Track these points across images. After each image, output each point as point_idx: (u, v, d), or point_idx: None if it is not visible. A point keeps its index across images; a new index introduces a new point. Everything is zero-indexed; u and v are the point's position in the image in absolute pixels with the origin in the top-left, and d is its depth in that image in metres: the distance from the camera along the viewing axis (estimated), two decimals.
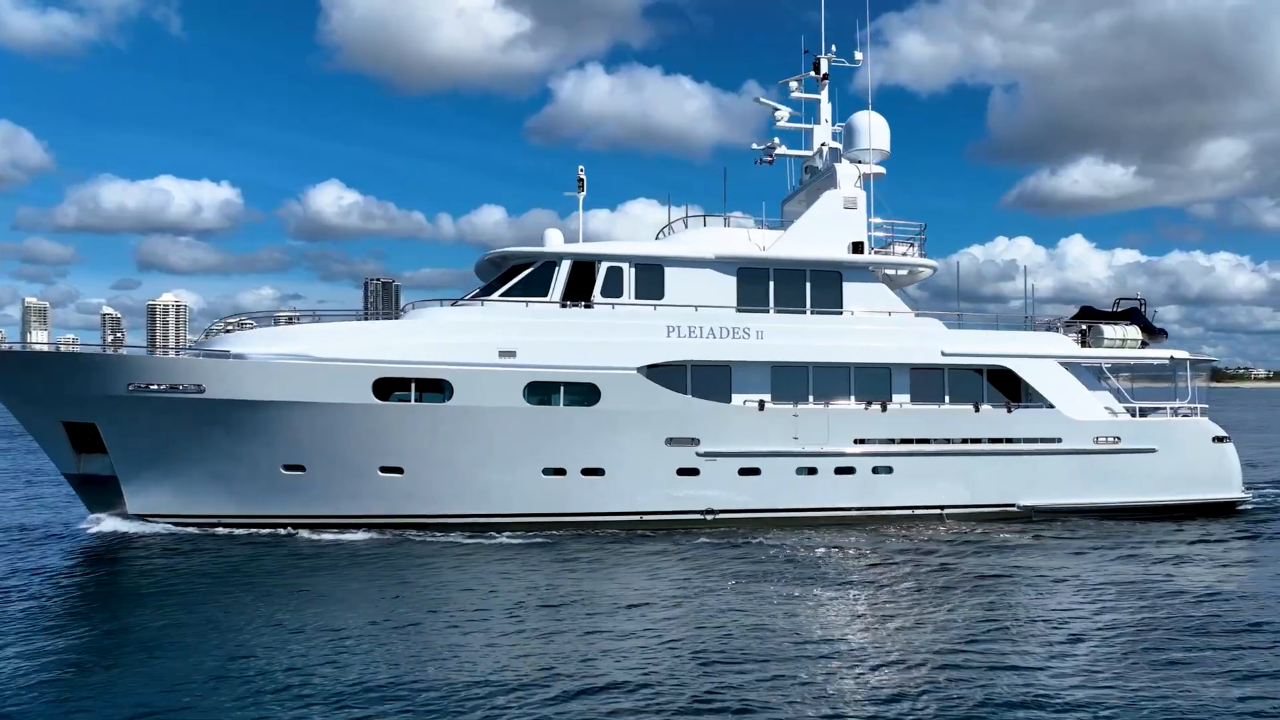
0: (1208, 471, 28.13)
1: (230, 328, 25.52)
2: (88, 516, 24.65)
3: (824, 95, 30.46)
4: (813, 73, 30.54)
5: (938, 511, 25.97)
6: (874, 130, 28.25)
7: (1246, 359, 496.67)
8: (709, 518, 24.64)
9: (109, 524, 23.97)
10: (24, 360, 24.15)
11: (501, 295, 25.01)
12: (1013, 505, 26.51)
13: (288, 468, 23.65)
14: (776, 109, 30.25)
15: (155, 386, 23.06)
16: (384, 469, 23.66)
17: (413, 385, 23.48)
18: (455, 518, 23.86)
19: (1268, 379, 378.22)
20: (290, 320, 25.85)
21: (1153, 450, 27.57)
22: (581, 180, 27.96)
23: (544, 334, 24.32)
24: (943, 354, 26.55)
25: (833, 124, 30.50)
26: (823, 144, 30.14)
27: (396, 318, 25.89)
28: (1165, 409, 28.60)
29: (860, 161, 28.26)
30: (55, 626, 15.23)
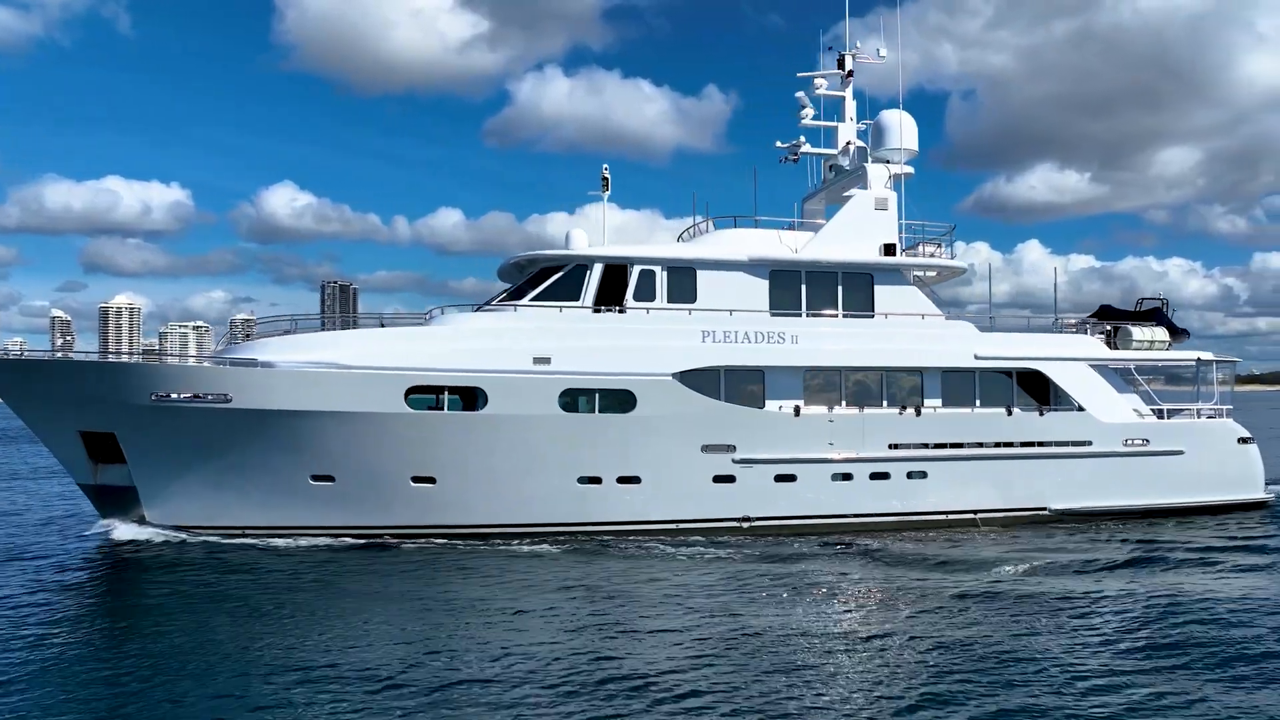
0: (1234, 473, 28.18)
1: (245, 334, 24.98)
2: (99, 521, 24.02)
3: (848, 93, 30.03)
4: (837, 69, 30.12)
5: (971, 516, 25.81)
6: (904, 129, 27.87)
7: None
8: (744, 525, 24.32)
9: (125, 530, 23.35)
10: (40, 369, 23.39)
11: (533, 300, 24.47)
12: (1044, 509, 26.41)
13: (316, 478, 23.08)
14: (804, 106, 29.77)
15: (180, 396, 22.41)
16: (416, 479, 23.14)
17: (445, 393, 22.96)
18: (489, 528, 23.39)
19: (1246, 381, 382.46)
20: (306, 325, 25.31)
21: (1181, 452, 27.56)
22: (606, 179, 27.44)
23: (579, 339, 23.84)
24: (975, 357, 26.33)
25: (856, 121, 30.12)
26: (848, 142, 29.74)
27: (424, 323, 25.27)
28: (1192, 410, 28.56)
29: (888, 161, 27.90)
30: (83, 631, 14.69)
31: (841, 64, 30.07)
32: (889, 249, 26.61)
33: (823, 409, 25.11)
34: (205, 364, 23.03)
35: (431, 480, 23.15)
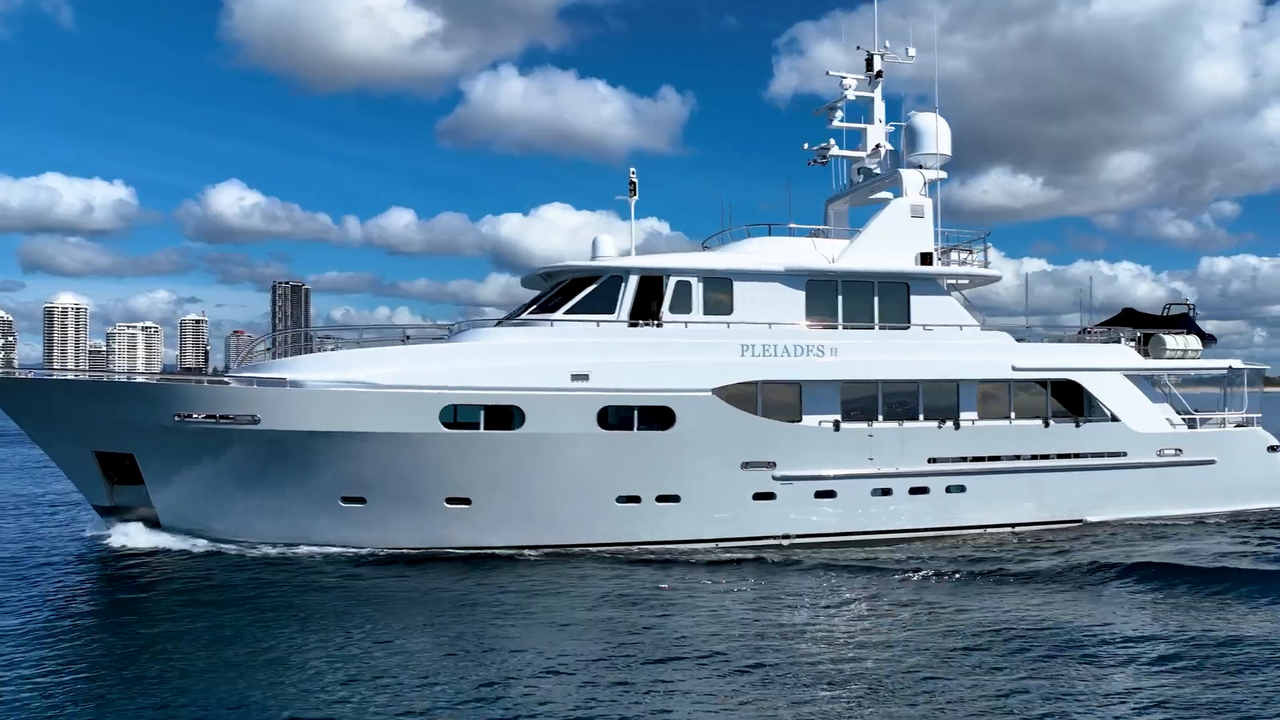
0: (1264, 481, 28.09)
1: (267, 350, 24.21)
2: (109, 529, 23.26)
3: (877, 93, 29.36)
4: (866, 70, 29.44)
5: (1009, 529, 25.51)
6: (940, 133, 27.28)
7: None
8: (785, 543, 23.85)
9: (134, 536, 22.73)
10: (54, 388, 22.47)
11: (567, 313, 23.72)
12: (1080, 520, 26.16)
13: (347, 500, 22.36)
14: (834, 108, 29.08)
15: (205, 417, 21.59)
16: (451, 500, 22.46)
17: (482, 413, 22.24)
18: (524, 549, 22.74)
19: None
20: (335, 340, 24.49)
21: (1213, 461, 27.40)
22: (633, 183, 26.66)
23: (617, 355, 23.15)
24: (1013, 369, 25.94)
25: (885, 123, 29.50)
26: (877, 145, 29.13)
27: (449, 338, 24.47)
28: (1223, 419, 28.40)
29: (922, 166, 27.33)
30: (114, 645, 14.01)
31: (870, 64, 29.38)
32: (925, 258, 26.10)
33: (862, 424, 24.62)
34: (231, 383, 22.12)
35: (466, 501, 22.47)
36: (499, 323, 24.66)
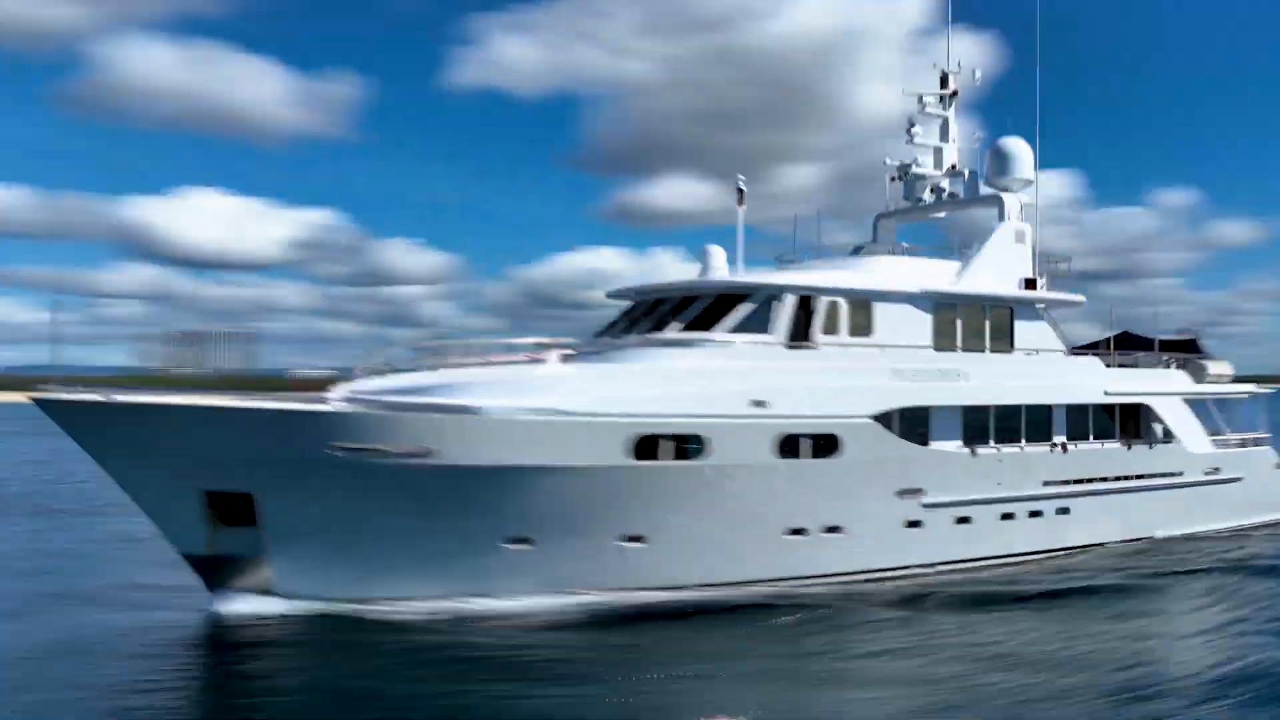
0: (1275, 495, 30.76)
1: (385, 368, 21.36)
2: (214, 597, 19.61)
3: (952, 113, 29.49)
4: (940, 89, 29.47)
5: (1099, 547, 26.50)
6: (1027, 158, 27.75)
7: None
8: (929, 571, 23.63)
9: (250, 603, 19.26)
10: (167, 415, 18.66)
11: (730, 332, 22.24)
12: (1150, 536, 27.59)
13: (511, 541, 19.98)
14: (913, 124, 28.93)
15: (367, 448, 18.61)
16: (625, 538, 20.59)
17: (672, 443, 20.50)
18: (693, 588, 21.16)
19: None
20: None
21: (1241, 479, 29.67)
22: (741, 190, 25.45)
23: (789, 379, 22.00)
24: (1105, 393, 26.91)
25: (952, 142, 29.67)
26: (952, 164, 29.29)
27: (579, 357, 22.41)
28: (1245, 439, 30.77)
29: (1008, 190, 27.73)
30: None
31: (944, 82, 29.45)
32: (1029, 283, 26.53)
33: (991, 448, 24.76)
34: (403, 412, 19.09)
35: (640, 539, 20.68)
36: (641, 335, 22.81)
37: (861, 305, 23.75)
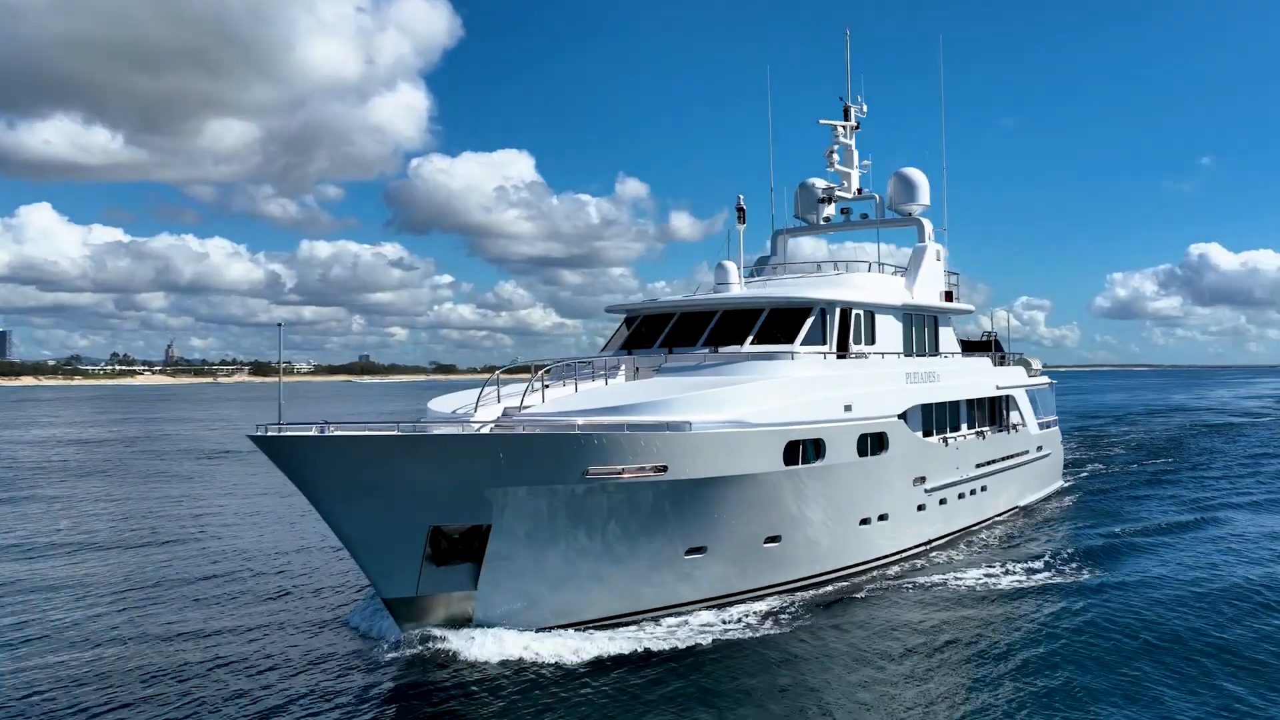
0: (1058, 468, 38.28)
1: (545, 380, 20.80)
2: (399, 635, 17.90)
3: (852, 141, 33.13)
4: (843, 119, 32.97)
5: (1003, 516, 31.64)
6: (926, 184, 32.13)
7: (240, 351, 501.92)
8: (928, 547, 27.02)
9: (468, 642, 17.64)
10: (412, 447, 16.81)
11: (801, 344, 23.92)
12: (1018, 507, 33.34)
13: (689, 551, 20.31)
14: (833, 150, 32.12)
15: (620, 471, 18.22)
16: (768, 539, 21.66)
17: (810, 447, 21.90)
18: (801, 581, 22.71)
19: (311, 373, 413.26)
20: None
21: (1050, 454, 36.70)
22: (741, 210, 27.24)
23: (856, 386, 24.18)
24: (997, 387, 32.10)
25: (850, 167, 33.29)
26: (859, 189, 32.93)
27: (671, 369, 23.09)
28: (1048, 421, 37.81)
29: (910, 214, 32.01)
30: None
31: (847, 114, 33.03)
32: (948, 295, 30.93)
33: (954, 436, 28.73)
34: (632, 431, 18.55)
35: (777, 539, 21.84)
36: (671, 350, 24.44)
37: (869, 317, 26.52)
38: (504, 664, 17.02)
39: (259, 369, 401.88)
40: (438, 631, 17.82)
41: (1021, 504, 33.71)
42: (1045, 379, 38.26)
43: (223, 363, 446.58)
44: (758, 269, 32.52)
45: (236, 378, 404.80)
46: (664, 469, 18.72)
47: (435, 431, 17.46)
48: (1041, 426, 36.58)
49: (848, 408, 23.39)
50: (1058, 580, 23.51)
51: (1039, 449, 35.60)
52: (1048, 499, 36.05)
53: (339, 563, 25.77)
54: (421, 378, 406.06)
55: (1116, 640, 18.59)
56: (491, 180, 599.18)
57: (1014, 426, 33.57)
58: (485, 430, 18.28)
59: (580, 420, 18.35)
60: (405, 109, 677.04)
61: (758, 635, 19.20)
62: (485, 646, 17.48)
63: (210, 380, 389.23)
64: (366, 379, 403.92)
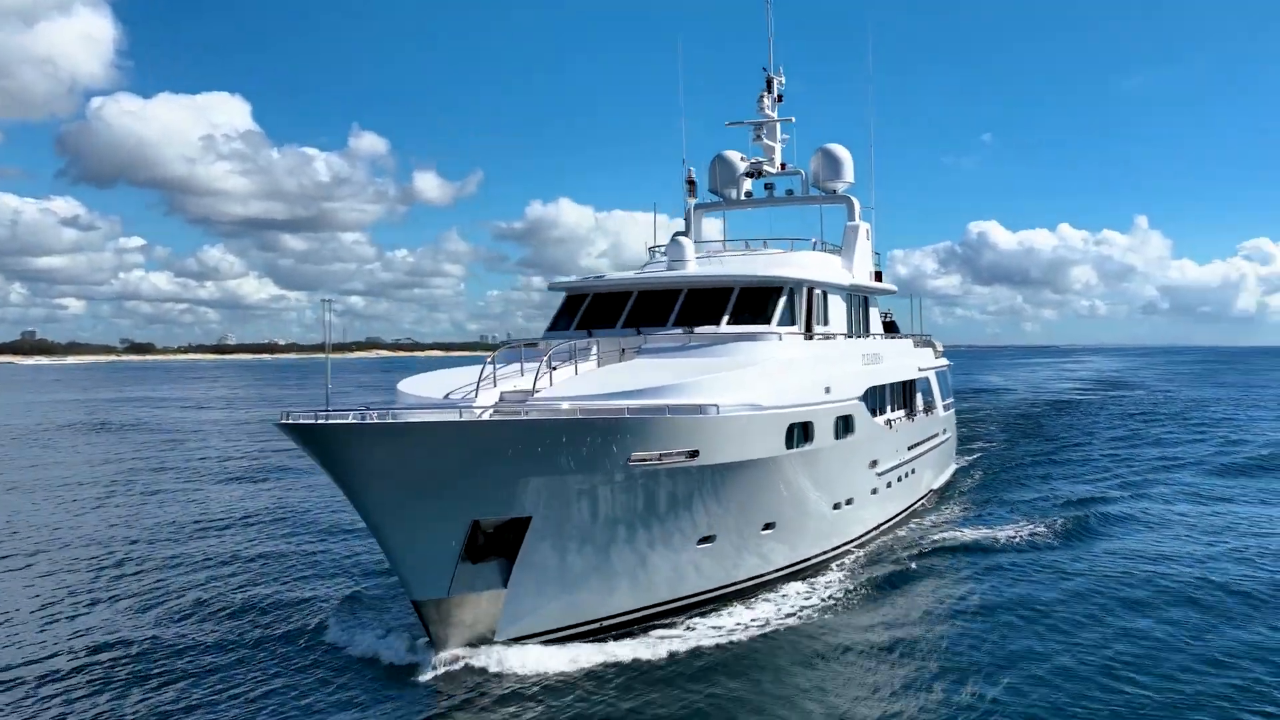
0: (952, 448, 38.77)
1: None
2: (437, 655, 15.96)
3: (775, 113, 32.00)
4: (766, 92, 31.79)
5: (925, 502, 31.47)
6: (850, 162, 31.40)
7: None
8: (878, 532, 26.31)
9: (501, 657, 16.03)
10: (452, 433, 14.64)
11: (777, 324, 22.59)
12: (934, 489, 33.32)
13: (702, 541, 18.82)
14: (759, 124, 30.90)
15: (660, 456, 16.81)
16: (765, 525, 20.32)
17: (794, 431, 20.62)
18: (782, 570, 21.46)
19: None
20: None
21: (950, 435, 37.02)
22: (692, 183, 25.79)
23: (829, 368, 23.13)
24: (919, 369, 31.86)
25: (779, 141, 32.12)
26: (783, 164, 31.85)
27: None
28: (947, 403, 38.06)
29: (835, 190, 31.24)
30: None
31: (770, 86, 31.86)
32: (878, 275, 30.38)
33: (892, 418, 28.17)
34: (672, 415, 16.84)
35: (772, 525, 20.54)
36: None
37: (824, 297, 25.52)
38: (522, 669, 15.72)
39: None
40: (459, 637, 16.07)
41: (935, 487, 33.73)
42: (945, 360, 38.61)
43: None
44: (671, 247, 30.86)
45: None
46: (695, 454, 17.27)
47: (480, 418, 15.34)
48: (945, 409, 36.86)
49: (827, 390, 22.28)
50: (1031, 559, 23.28)
51: (943, 431, 35.80)
52: (953, 481, 36.33)
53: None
54: (111, 358, 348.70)
55: (1128, 607, 18.26)
56: (196, 127, 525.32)
57: (929, 409, 33.51)
58: (487, 415, 16.20)
59: (628, 404, 16.56)
60: (83, 38, 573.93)
61: (784, 627, 18.17)
62: (507, 654, 16.00)
63: None
64: (35, 360, 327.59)
